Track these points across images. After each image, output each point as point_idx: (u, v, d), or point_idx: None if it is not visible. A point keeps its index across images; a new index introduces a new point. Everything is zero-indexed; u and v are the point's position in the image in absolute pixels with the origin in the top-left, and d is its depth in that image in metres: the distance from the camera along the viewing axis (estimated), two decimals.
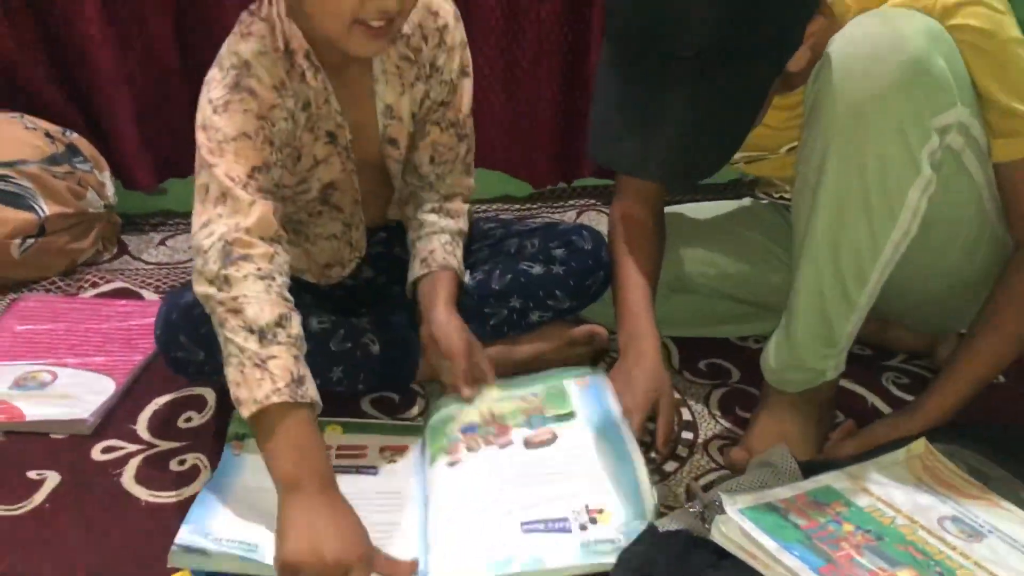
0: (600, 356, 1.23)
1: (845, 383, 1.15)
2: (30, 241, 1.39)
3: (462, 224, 1.16)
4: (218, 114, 0.92)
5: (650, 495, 0.87)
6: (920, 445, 0.94)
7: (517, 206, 1.78)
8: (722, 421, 1.13)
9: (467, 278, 1.15)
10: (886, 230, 0.89)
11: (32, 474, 1.01)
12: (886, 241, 0.89)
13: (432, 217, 1.14)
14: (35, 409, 1.09)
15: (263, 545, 0.82)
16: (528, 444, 0.99)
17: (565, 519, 0.86)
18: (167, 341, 1.02)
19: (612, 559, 0.81)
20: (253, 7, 0.98)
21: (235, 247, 0.87)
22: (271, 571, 0.79)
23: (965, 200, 0.96)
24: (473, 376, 1.07)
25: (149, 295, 1.43)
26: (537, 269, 1.17)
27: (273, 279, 0.87)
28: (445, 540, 0.86)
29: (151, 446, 1.06)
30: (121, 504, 0.97)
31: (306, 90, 0.98)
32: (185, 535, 0.83)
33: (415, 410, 1.15)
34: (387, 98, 1.06)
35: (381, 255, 1.21)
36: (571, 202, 1.81)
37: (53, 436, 1.07)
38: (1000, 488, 0.88)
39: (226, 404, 1.12)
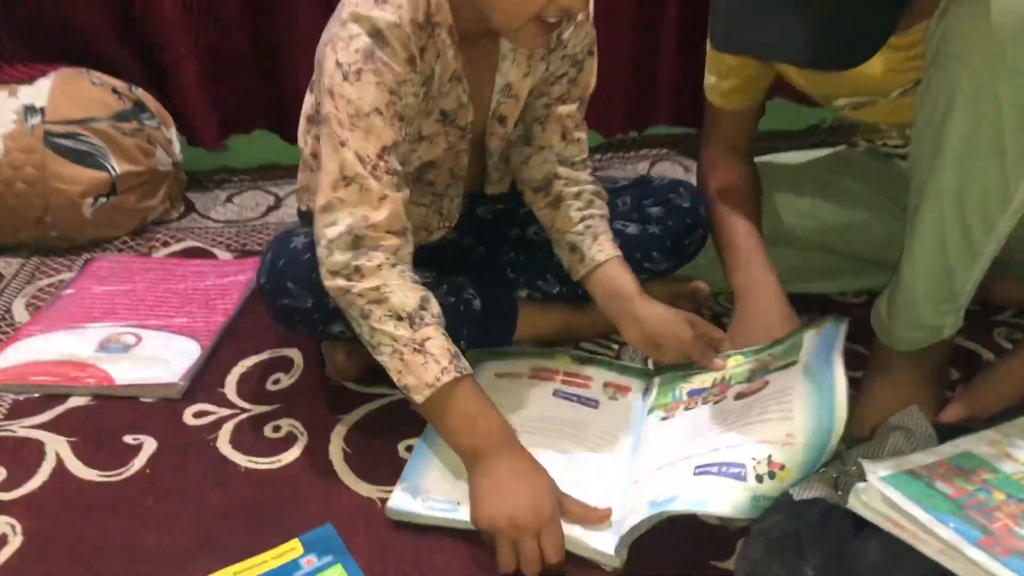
0: (701, 314, 1.17)
1: (956, 340, 1.09)
2: (102, 200, 1.36)
3: (600, 190, 1.09)
4: (350, 82, 0.85)
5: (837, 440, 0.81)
6: None
7: None
8: None
9: None
10: (1019, 172, 0.82)
11: (129, 439, 0.99)
12: (1019, 185, 0.82)
13: (570, 201, 1.06)
14: (124, 374, 1.07)
15: (466, 502, 0.86)
16: (738, 396, 0.94)
17: (742, 465, 0.81)
18: (274, 288, 0.97)
19: None
20: None
21: (364, 241, 0.85)
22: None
23: None
24: (706, 349, 1.01)
25: (222, 253, 1.40)
26: (632, 229, 1.11)
27: (404, 265, 0.88)
28: (629, 488, 0.87)
29: (243, 410, 1.04)
30: (220, 470, 0.95)
31: (433, 64, 0.92)
32: (398, 499, 0.88)
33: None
34: (510, 76, 0.99)
35: (464, 218, 1.16)
36: (643, 151, 1.74)
37: (142, 400, 1.05)
38: None
39: (313, 362, 1.10)
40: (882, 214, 1.19)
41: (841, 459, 0.83)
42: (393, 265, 0.86)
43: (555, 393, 1.03)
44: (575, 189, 1.06)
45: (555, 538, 0.82)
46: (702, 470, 0.83)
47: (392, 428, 1.00)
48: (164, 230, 1.46)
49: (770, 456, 0.82)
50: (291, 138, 1.58)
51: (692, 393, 0.99)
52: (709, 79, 1.13)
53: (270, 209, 1.54)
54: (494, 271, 1.15)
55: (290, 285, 0.96)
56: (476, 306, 1.06)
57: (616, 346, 1.15)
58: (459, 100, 0.96)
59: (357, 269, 0.85)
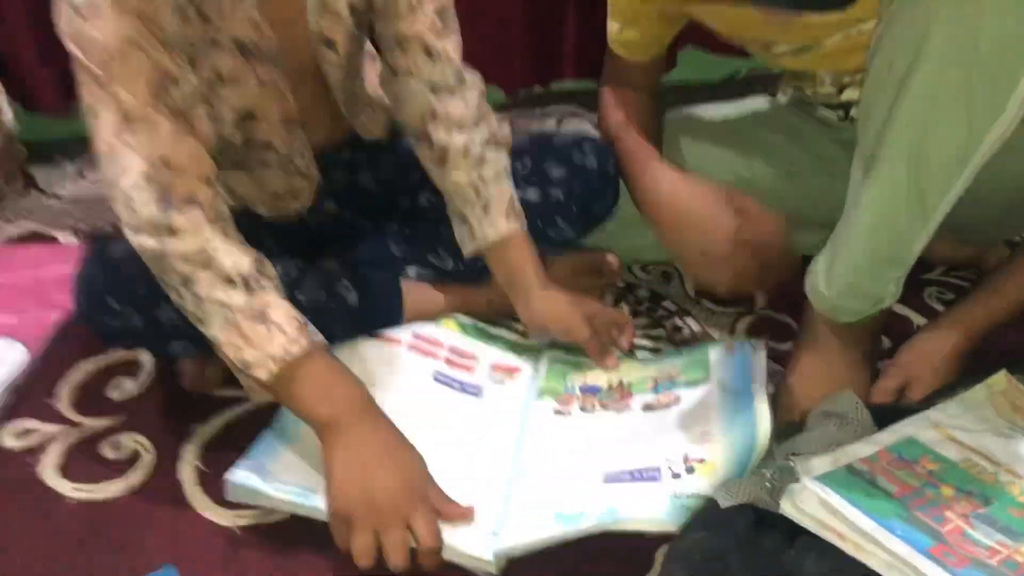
0: (610, 288, 1.06)
1: None
2: None
3: (501, 130, 0.94)
4: (89, 20, 0.70)
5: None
6: (1001, 380, 0.81)
7: None
8: None
9: None
10: (986, 125, 0.71)
11: None
12: (982, 139, 0.72)
13: (464, 163, 0.91)
14: None
15: (321, 490, 0.73)
16: (647, 408, 0.86)
17: (656, 468, 0.73)
18: (92, 307, 0.82)
19: None
20: None
21: (171, 190, 0.71)
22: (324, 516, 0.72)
23: None
24: (603, 349, 0.93)
25: (66, 238, 1.21)
26: (532, 194, 0.97)
27: (225, 222, 0.75)
28: (524, 494, 0.77)
29: (77, 425, 0.88)
30: (43, 503, 0.79)
31: None
32: (240, 474, 0.75)
33: None
34: None
35: (344, 186, 1.00)
36: (549, 107, 1.61)
37: None
38: None
39: (166, 367, 0.93)
40: (807, 171, 1.09)
41: (772, 454, 0.73)
42: (213, 221, 0.73)
43: (436, 378, 0.91)
44: (461, 141, 0.90)
45: (428, 522, 0.70)
46: (613, 477, 0.74)
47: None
48: None
49: (685, 454, 0.74)
50: None
51: (586, 390, 0.91)
52: (612, 25, 1.04)
53: None
54: (380, 247, 1.01)
55: (113, 304, 0.80)
56: (351, 300, 0.91)
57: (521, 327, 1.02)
58: (251, 19, 0.79)
59: (170, 227, 0.71)
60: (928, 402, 0.80)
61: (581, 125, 1.55)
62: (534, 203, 0.97)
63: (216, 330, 0.73)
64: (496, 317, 1.02)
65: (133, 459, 0.83)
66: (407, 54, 0.89)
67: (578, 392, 0.91)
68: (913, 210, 0.77)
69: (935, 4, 0.68)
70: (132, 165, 0.70)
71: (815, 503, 0.64)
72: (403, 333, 0.94)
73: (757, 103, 1.19)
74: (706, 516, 0.66)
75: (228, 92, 0.82)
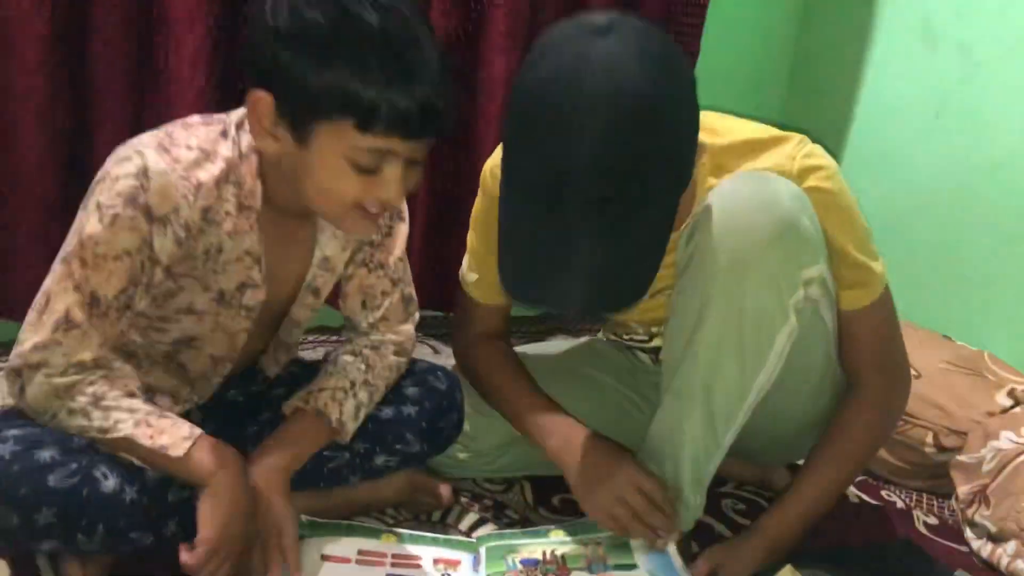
0: (447, 511, 1.18)
1: None
2: None
3: (380, 376, 1.07)
4: (103, 222, 0.84)
5: None
6: (787, 572, 0.98)
7: (335, 337, 1.70)
8: None
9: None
10: (755, 373, 0.94)
11: None
12: (753, 383, 0.95)
13: (346, 358, 1.05)
14: None
15: None
16: None
17: None
18: None
19: None
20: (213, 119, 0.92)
21: (78, 385, 0.87)
22: None
23: (817, 346, 1.04)
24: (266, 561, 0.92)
25: None
26: (387, 412, 1.09)
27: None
28: None
29: None
30: None
31: (220, 238, 0.89)
32: None
33: (463, 525, 1.15)
34: (328, 250, 0.99)
35: (212, 401, 1.08)
36: None
37: None
38: None
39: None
40: (627, 407, 1.27)
41: None
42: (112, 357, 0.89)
43: None
44: (362, 344, 1.06)
45: (263, 559, 0.86)
46: None
47: None
48: None
49: None
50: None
51: (526, 562, 1.01)
52: (470, 276, 1.17)
53: None
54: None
55: None
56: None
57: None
58: (247, 279, 0.92)
59: (70, 394, 0.86)
60: None
61: (421, 348, 1.70)
62: (387, 420, 1.08)
63: (129, 429, 0.86)
64: (356, 515, 1.10)
65: None
66: (347, 301, 1.06)
67: (520, 567, 1.00)
68: (706, 437, 0.97)
69: (713, 278, 0.91)
70: (53, 361, 0.85)
71: None
72: (349, 551, 1.00)
73: (586, 341, 1.37)
74: None
75: (186, 322, 0.94)
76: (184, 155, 0.88)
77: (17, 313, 1.30)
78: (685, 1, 1.73)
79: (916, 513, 1.33)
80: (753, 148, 0.98)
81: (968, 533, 1.24)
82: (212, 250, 0.90)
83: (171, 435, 0.87)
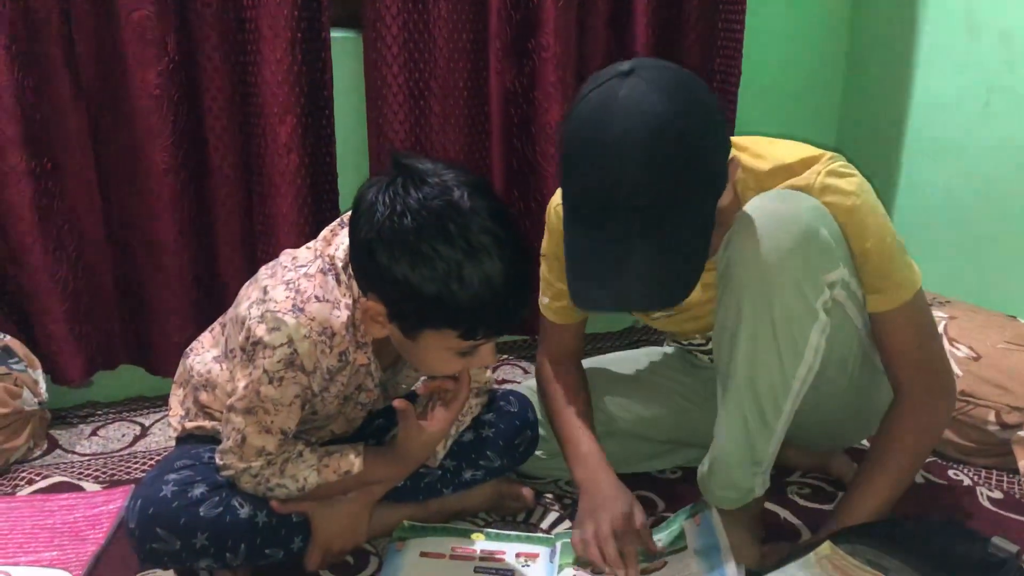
0: (530, 511, 1.36)
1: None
2: None
3: (464, 414, 1.28)
4: (274, 386, 1.06)
5: None
6: (826, 547, 1.09)
7: None
8: None
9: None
10: (794, 366, 1.05)
11: None
12: (794, 375, 1.06)
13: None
14: None
15: None
16: (643, 573, 1.13)
17: None
18: (144, 534, 1.07)
19: None
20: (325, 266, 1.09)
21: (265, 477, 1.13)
22: None
23: (849, 341, 1.14)
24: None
25: (90, 486, 1.44)
26: (468, 435, 1.29)
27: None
28: None
29: None
30: None
31: (344, 371, 1.11)
32: None
33: (544, 523, 1.33)
34: None
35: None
36: None
37: None
38: None
39: None
40: (686, 405, 1.41)
41: None
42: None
43: (476, 569, 1.18)
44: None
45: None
46: None
47: None
48: (28, 468, 1.49)
49: None
50: (157, 371, 1.69)
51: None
52: (543, 299, 1.34)
53: (137, 439, 1.61)
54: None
55: (159, 531, 1.07)
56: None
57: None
58: (363, 383, 1.16)
59: (268, 483, 1.12)
60: (776, 566, 1.08)
61: (512, 370, 1.88)
62: (470, 441, 1.28)
63: (315, 478, 1.12)
64: (448, 520, 1.30)
65: None
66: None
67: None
68: (758, 423, 1.09)
69: (744, 285, 1.03)
70: (260, 473, 1.11)
71: None
72: (444, 548, 1.21)
73: (650, 351, 1.52)
74: None
75: (317, 420, 1.19)
76: (316, 311, 1.05)
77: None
78: (723, 28, 1.86)
79: (981, 489, 1.40)
80: (789, 170, 1.09)
81: None
82: (337, 371, 1.12)
83: (347, 460, 1.13)
